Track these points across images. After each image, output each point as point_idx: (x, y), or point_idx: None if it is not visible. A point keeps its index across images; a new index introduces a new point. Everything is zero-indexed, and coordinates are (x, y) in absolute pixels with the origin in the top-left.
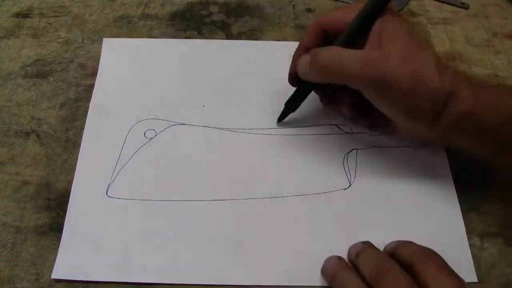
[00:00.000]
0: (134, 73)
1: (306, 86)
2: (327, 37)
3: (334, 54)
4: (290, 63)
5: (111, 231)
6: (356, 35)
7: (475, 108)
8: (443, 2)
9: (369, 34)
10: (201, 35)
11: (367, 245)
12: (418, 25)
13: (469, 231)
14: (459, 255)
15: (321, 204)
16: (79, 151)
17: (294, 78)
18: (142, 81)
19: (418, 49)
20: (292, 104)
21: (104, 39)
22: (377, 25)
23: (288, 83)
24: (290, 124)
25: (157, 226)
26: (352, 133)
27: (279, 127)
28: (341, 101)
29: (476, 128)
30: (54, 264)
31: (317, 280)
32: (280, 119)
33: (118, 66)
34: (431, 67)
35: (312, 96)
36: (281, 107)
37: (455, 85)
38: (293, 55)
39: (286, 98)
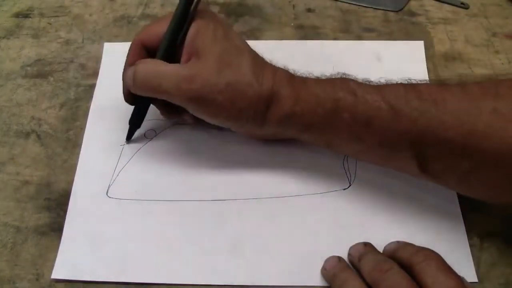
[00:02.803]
0: None
1: (142, 101)
2: (150, 52)
3: (152, 69)
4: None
5: (111, 231)
6: (172, 47)
7: (296, 108)
8: (443, 2)
9: (185, 43)
10: None
11: (368, 248)
12: (418, 25)
13: (469, 231)
14: (459, 255)
15: (321, 204)
16: (79, 151)
17: (128, 96)
18: None
19: (234, 56)
20: (135, 121)
21: (105, 44)
22: (192, 33)
23: None
24: None
25: (157, 226)
26: None
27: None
28: (181, 109)
29: (301, 125)
30: (54, 264)
31: (317, 280)
32: (128, 138)
33: (119, 70)
34: (247, 74)
35: None
36: None
37: (275, 86)
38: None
39: None
